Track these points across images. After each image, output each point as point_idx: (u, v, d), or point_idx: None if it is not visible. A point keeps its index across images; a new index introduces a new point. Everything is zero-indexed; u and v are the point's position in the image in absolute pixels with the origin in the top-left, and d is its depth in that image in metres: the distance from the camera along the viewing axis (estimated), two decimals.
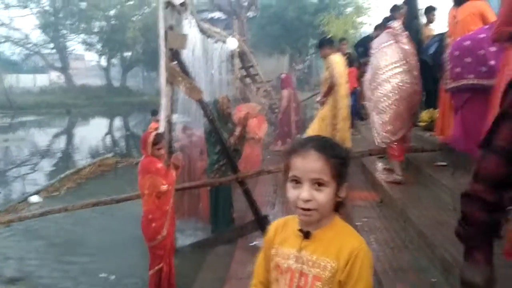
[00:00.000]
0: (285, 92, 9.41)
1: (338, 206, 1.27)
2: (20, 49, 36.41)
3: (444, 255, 2.72)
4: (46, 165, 12.05)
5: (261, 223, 4.66)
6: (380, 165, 5.38)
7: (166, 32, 4.49)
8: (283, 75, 9.96)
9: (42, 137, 18.23)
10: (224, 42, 8.33)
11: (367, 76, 4.68)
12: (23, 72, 38.31)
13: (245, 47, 11.34)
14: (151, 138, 3.67)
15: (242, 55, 11.13)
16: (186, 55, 5.01)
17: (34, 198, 7.46)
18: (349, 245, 1.23)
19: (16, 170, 11.33)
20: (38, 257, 5.25)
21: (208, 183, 5.07)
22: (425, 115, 5.69)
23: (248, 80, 12.14)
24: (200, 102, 4.73)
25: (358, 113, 8.94)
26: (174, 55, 4.65)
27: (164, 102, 4.30)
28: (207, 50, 7.22)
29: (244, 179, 4.84)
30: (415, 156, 4.90)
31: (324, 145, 1.21)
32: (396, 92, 4.27)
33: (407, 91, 4.27)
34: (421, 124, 5.73)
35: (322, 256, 1.23)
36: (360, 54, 8.87)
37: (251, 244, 4.64)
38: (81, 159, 12.46)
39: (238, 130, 5.13)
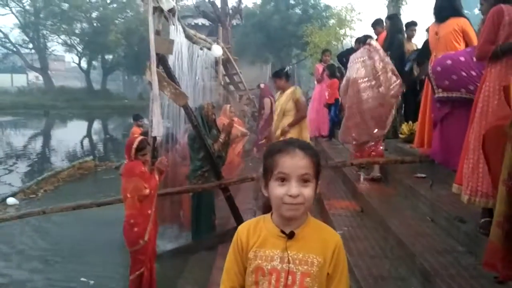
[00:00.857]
0: (267, 101, 9.47)
1: None
2: None
3: (424, 265, 2.78)
4: (23, 166, 11.79)
5: None
6: (361, 175, 5.46)
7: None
8: (262, 85, 10.05)
9: (18, 138, 17.86)
10: (209, 49, 8.35)
11: (342, 85, 5.27)
12: (0, 72, 37.48)
13: (229, 54, 11.38)
14: (135, 143, 3.65)
15: (226, 62, 11.18)
16: (171, 60, 5.01)
17: (11, 200, 7.29)
18: (331, 239, 1.33)
19: None
20: (15, 262, 5.13)
21: (191, 189, 5.06)
22: (405, 128, 5.83)
23: (231, 87, 12.18)
24: (185, 108, 4.73)
25: (340, 123, 9.07)
26: (160, 60, 4.65)
27: (155, 106, 4.27)
28: (192, 56, 7.22)
29: (227, 186, 4.85)
30: (395, 167, 5.00)
31: (306, 146, 1.30)
32: (363, 102, 4.84)
33: (373, 103, 4.81)
34: (401, 136, 5.86)
35: (308, 252, 1.28)
36: (344, 65, 9.05)
37: None
38: (58, 161, 12.27)
39: (222, 137, 5.15)
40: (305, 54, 25.77)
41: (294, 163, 1.24)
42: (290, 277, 1.27)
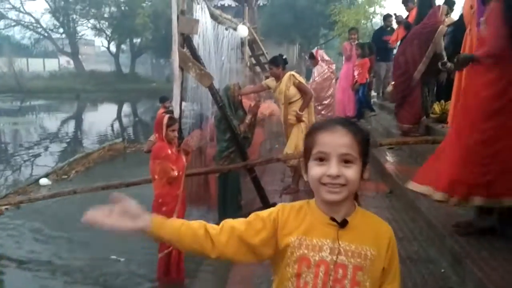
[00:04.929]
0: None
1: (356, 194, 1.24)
2: (31, 33, 36.57)
3: (454, 246, 2.71)
4: (55, 149, 12.13)
5: None
6: (389, 155, 5.36)
7: (177, 17, 4.46)
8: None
9: (51, 121, 18.37)
10: (234, 29, 8.27)
11: (318, 84, 7.88)
12: (33, 56, 38.41)
13: (255, 35, 11.26)
14: (165, 119, 3.69)
15: (252, 43, 11.06)
16: (196, 41, 4.98)
17: (44, 181, 7.52)
18: (385, 231, 1.22)
19: (25, 153, 11.41)
20: (45, 240, 5.30)
21: (217, 170, 5.08)
22: (436, 107, 5.65)
23: (257, 68, 12.08)
24: (210, 88, 4.71)
25: (368, 104, 8.90)
26: (185, 40, 4.62)
27: (175, 87, 4.29)
28: (218, 37, 7.18)
29: (253, 167, 4.84)
30: (426, 147, 4.86)
31: (349, 122, 1.20)
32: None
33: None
34: (433, 116, 5.69)
35: (361, 244, 1.17)
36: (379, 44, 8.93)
37: None
38: (90, 144, 12.55)
39: (248, 118, 5.12)
40: (333, 33, 25.31)
41: (334, 140, 1.13)
42: (340, 270, 1.16)
